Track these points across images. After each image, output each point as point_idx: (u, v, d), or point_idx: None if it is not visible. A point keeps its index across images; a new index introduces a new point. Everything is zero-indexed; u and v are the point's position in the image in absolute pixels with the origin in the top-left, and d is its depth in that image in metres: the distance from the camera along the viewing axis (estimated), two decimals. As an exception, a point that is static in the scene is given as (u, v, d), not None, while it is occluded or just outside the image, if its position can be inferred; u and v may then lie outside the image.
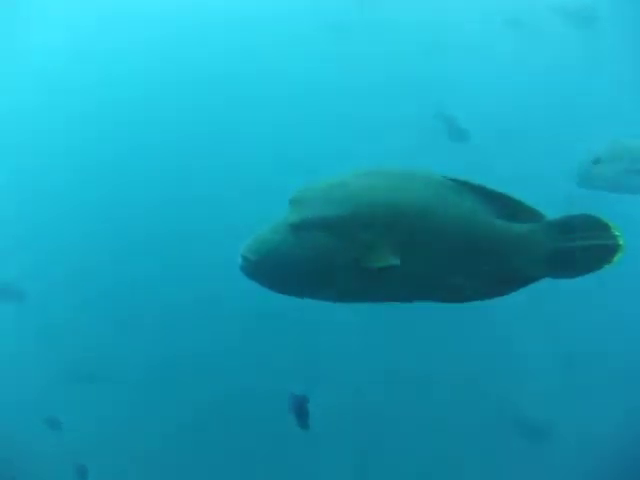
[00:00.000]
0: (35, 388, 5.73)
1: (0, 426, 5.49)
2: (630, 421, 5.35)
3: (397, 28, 8.21)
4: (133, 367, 5.97)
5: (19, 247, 6.86)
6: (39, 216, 7.42)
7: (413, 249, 1.76)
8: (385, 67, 7.92)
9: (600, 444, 5.26)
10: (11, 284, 5.93)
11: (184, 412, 5.64)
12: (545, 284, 1.91)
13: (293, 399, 3.76)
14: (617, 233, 1.83)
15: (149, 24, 8.94)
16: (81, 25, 8.98)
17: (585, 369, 5.61)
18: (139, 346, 6.14)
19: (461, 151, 5.94)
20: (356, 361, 5.68)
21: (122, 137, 7.95)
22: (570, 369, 5.70)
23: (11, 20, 8.21)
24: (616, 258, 1.82)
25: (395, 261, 1.73)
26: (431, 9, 8.40)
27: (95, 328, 6.26)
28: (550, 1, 7.16)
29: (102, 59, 8.79)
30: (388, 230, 1.76)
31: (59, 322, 6.34)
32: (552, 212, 1.89)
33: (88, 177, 7.61)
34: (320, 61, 8.36)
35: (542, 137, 6.90)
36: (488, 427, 5.47)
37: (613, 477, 5.07)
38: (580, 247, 1.83)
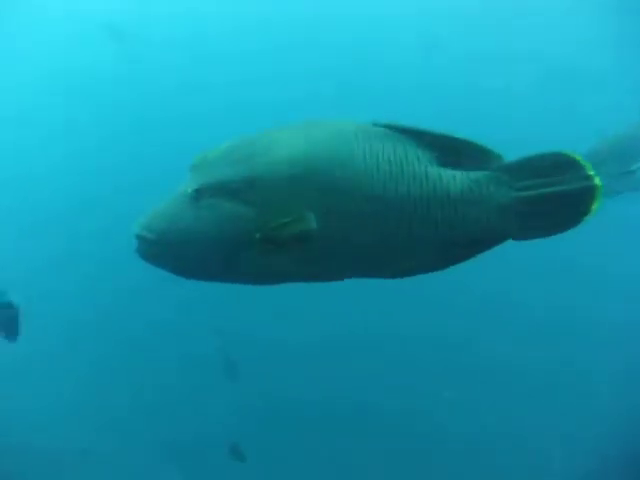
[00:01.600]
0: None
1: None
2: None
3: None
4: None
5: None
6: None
7: (333, 211, 1.44)
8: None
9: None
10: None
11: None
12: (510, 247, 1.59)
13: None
14: (590, 172, 1.49)
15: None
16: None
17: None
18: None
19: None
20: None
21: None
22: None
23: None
24: (594, 206, 1.48)
25: (310, 225, 1.42)
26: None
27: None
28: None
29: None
30: (300, 191, 1.44)
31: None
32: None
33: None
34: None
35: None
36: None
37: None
38: (545, 195, 1.50)
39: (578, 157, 1.50)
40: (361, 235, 1.47)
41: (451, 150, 1.52)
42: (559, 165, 1.51)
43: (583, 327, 5.98)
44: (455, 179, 1.51)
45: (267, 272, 1.53)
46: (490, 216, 1.51)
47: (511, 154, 1.55)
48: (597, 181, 1.48)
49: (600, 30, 7.65)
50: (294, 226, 1.43)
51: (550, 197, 1.50)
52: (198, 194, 1.50)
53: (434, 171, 1.50)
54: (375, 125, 1.54)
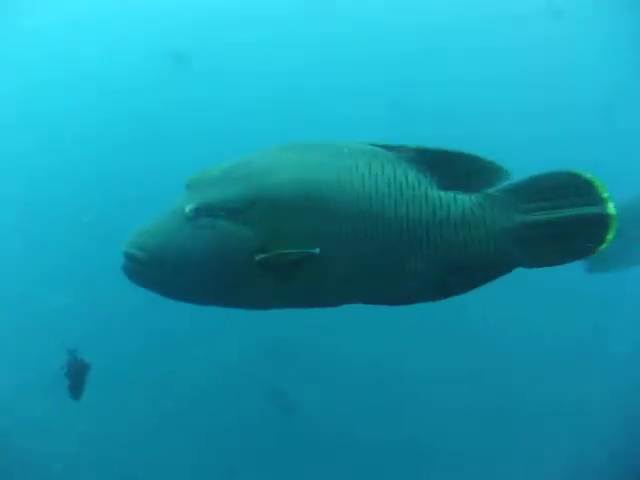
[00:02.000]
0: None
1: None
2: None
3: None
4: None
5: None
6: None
7: (332, 235, 1.39)
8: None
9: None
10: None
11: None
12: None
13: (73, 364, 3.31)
14: (605, 194, 1.38)
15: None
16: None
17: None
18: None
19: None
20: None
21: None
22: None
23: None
24: (609, 235, 1.38)
25: (312, 250, 1.37)
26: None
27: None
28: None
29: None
30: (300, 214, 1.40)
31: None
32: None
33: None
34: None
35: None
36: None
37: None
38: (554, 220, 1.40)
39: (591, 177, 1.41)
40: (360, 258, 1.42)
41: (454, 169, 1.45)
42: (570, 186, 1.41)
43: (587, 357, 5.89)
44: (456, 201, 1.44)
45: (264, 296, 1.48)
46: (493, 240, 1.43)
47: (518, 175, 1.48)
48: (611, 209, 1.38)
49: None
50: (296, 251, 1.38)
51: (559, 222, 1.41)
52: (196, 213, 1.44)
53: (434, 194, 1.44)
54: (373, 145, 1.48)
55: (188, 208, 1.44)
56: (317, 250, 1.37)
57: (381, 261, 1.42)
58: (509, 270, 1.46)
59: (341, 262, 1.41)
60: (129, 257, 1.49)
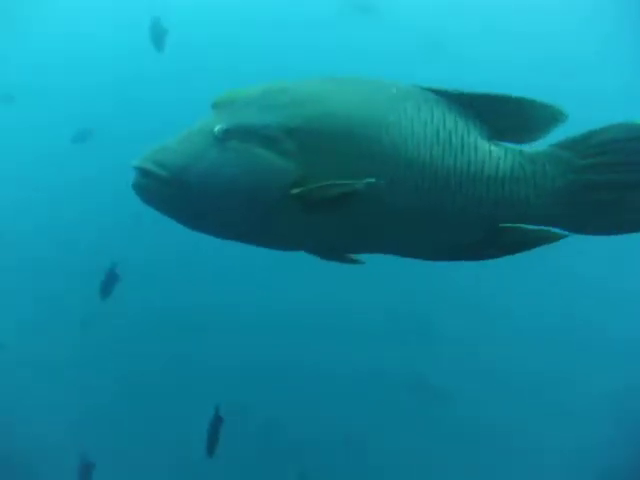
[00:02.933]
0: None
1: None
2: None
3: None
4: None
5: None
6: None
7: (377, 176, 1.28)
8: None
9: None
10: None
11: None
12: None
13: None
14: None
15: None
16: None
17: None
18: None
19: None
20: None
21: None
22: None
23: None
24: None
25: (359, 185, 1.25)
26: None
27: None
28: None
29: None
30: (344, 150, 1.29)
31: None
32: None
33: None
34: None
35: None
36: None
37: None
38: (613, 183, 1.29)
39: None
40: (403, 206, 1.32)
41: (506, 116, 1.34)
42: (630, 139, 1.29)
43: (584, 340, 5.89)
44: (506, 154, 1.34)
45: (294, 235, 1.37)
46: (543, 199, 1.33)
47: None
48: None
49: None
50: (341, 185, 1.26)
51: (615, 184, 1.30)
52: (226, 135, 1.30)
53: (484, 145, 1.34)
54: (422, 89, 1.37)
55: (218, 127, 1.30)
56: (362, 185, 1.25)
57: (423, 209, 1.33)
58: (555, 238, 1.36)
59: (381, 206, 1.31)
60: (146, 173, 1.33)
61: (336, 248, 1.42)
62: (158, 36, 5.36)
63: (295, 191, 1.27)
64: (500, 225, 1.37)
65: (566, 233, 1.36)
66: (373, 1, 8.69)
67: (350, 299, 6.01)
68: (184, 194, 1.32)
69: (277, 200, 1.29)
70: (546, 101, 1.33)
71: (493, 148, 1.34)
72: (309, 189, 1.26)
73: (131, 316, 6.01)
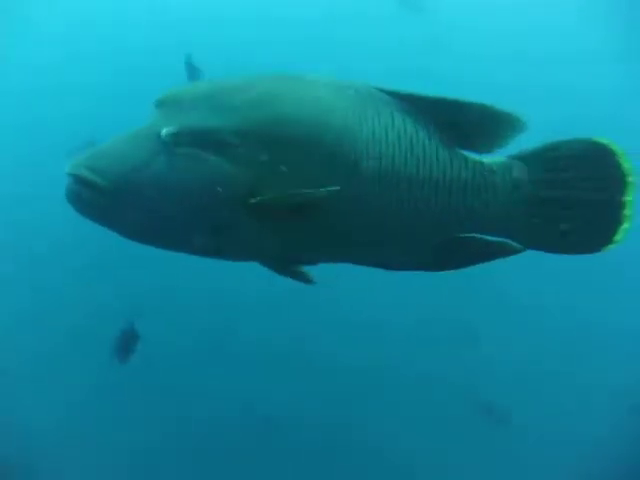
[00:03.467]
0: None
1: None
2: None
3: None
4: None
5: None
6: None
7: (336, 184, 1.20)
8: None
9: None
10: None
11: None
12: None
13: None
14: (629, 179, 1.22)
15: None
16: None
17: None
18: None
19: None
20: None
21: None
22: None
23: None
24: (618, 235, 1.24)
25: (321, 194, 1.17)
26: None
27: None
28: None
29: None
30: (302, 156, 1.20)
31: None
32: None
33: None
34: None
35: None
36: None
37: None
38: (562, 199, 1.26)
39: (615, 148, 1.23)
40: (362, 213, 1.26)
41: (466, 122, 1.28)
42: (590, 157, 1.25)
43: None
44: (467, 163, 1.29)
45: (249, 245, 1.28)
46: (501, 209, 1.29)
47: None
48: (627, 195, 1.22)
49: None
50: (302, 194, 1.18)
51: (567, 202, 1.26)
52: (174, 139, 1.20)
53: (444, 152, 1.29)
54: (379, 91, 1.31)
55: (165, 131, 1.19)
56: (324, 193, 1.17)
57: (383, 217, 1.27)
58: (512, 251, 1.32)
59: (338, 217, 1.24)
60: (83, 182, 1.21)
61: (291, 259, 1.35)
62: (192, 73, 5.20)
63: (252, 200, 1.19)
64: (460, 235, 1.33)
65: (522, 247, 1.32)
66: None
67: (387, 304, 5.89)
68: (126, 204, 1.21)
69: (230, 209, 1.20)
70: (504, 108, 1.28)
71: (454, 156, 1.29)
72: (267, 198, 1.18)
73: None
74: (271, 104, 1.22)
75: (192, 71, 5.24)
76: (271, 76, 1.30)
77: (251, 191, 1.20)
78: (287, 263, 1.36)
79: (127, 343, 3.95)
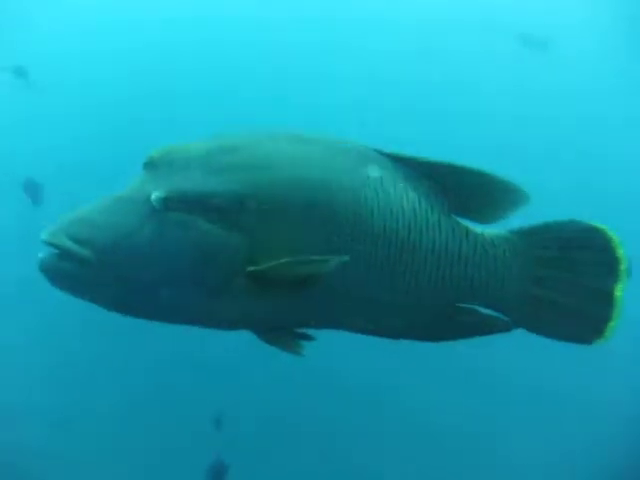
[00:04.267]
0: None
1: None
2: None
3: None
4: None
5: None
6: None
7: (337, 253, 1.15)
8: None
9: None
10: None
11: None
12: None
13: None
14: (622, 266, 1.21)
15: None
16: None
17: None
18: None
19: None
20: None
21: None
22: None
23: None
24: (607, 331, 1.22)
25: (326, 267, 1.11)
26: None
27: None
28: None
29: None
30: (304, 222, 1.14)
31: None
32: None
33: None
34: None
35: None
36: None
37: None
38: (559, 279, 1.24)
39: (614, 241, 1.22)
40: (364, 281, 1.21)
41: (467, 191, 1.25)
42: (585, 243, 1.24)
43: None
44: (468, 235, 1.26)
45: (245, 314, 1.21)
46: (499, 284, 1.26)
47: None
48: (618, 289, 1.21)
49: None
50: (306, 265, 1.11)
51: (565, 284, 1.24)
52: (165, 205, 1.11)
53: (447, 222, 1.25)
54: (380, 154, 1.26)
55: (155, 195, 1.11)
56: (329, 267, 1.11)
57: (385, 287, 1.23)
58: (506, 328, 1.29)
59: (341, 283, 1.18)
60: (65, 255, 1.11)
61: (284, 326, 1.28)
62: None
63: (250, 269, 1.12)
64: (458, 305, 1.29)
65: (511, 325, 1.29)
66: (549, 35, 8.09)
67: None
68: (111, 275, 1.12)
69: (224, 278, 1.13)
70: (509, 180, 1.24)
71: (456, 227, 1.26)
72: (267, 267, 1.11)
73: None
74: (267, 167, 1.16)
75: None
76: (269, 135, 1.25)
77: (246, 259, 1.13)
78: (279, 331, 1.30)
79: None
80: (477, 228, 1.28)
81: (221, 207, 1.12)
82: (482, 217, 1.27)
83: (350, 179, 1.19)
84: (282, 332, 1.28)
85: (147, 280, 1.13)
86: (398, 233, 1.20)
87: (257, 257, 1.13)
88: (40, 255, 1.14)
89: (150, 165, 1.18)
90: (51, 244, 1.12)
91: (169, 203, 1.11)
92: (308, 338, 1.29)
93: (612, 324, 1.20)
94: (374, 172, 1.22)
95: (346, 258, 1.13)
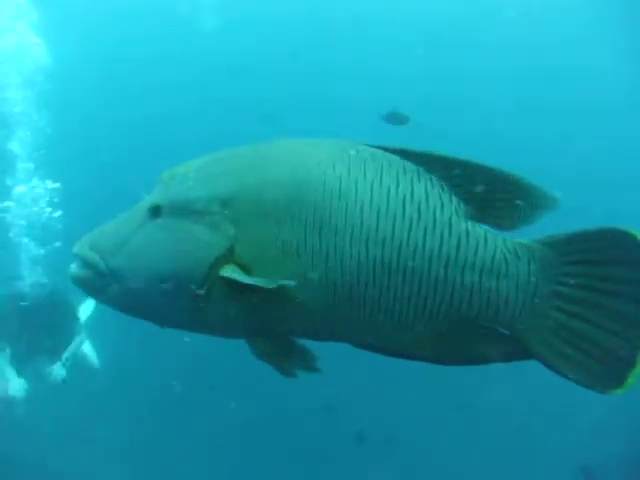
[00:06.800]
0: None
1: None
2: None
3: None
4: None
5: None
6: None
7: (321, 254, 1.10)
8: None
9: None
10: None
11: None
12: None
13: None
14: None
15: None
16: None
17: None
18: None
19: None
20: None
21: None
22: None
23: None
24: (630, 379, 1.06)
25: (279, 282, 1.08)
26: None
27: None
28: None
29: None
30: (284, 222, 1.12)
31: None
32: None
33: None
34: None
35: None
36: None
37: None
38: (593, 303, 1.09)
39: None
40: (355, 290, 1.12)
41: (488, 193, 1.12)
42: (619, 249, 1.08)
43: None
44: (487, 241, 1.11)
45: (224, 320, 1.20)
46: (521, 303, 1.11)
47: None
48: None
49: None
50: (253, 282, 1.09)
51: (590, 310, 1.09)
52: (155, 212, 1.21)
53: (460, 223, 1.11)
54: (388, 151, 1.16)
55: (149, 205, 1.23)
56: (291, 283, 1.08)
57: (380, 296, 1.12)
58: (522, 356, 1.15)
59: (328, 289, 1.12)
60: (87, 265, 1.25)
61: (272, 334, 1.26)
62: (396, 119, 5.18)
63: (222, 274, 1.13)
64: (465, 323, 1.13)
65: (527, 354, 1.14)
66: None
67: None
68: (113, 279, 1.23)
69: (202, 278, 1.14)
70: (535, 182, 1.10)
71: (471, 229, 1.11)
72: (234, 276, 1.11)
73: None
74: (251, 170, 1.19)
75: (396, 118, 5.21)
76: (268, 143, 1.26)
77: (229, 255, 1.16)
78: (277, 346, 1.27)
79: None
80: (498, 235, 1.12)
81: (202, 209, 1.19)
82: (502, 222, 1.13)
83: (341, 178, 1.13)
84: (280, 349, 1.26)
85: (141, 282, 1.21)
86: (394, 233, 1.10)
87: (243, 254, 1.16)
88: (71, 265, 1.27)
89: (159, 182, 1.29)
90: (75, 255, 1.27)
91: (157, 211, 1.22)
92: (313, 365, 1.27)
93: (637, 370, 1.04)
94: (372, 168, 1.14)
95: (292, 283, 1.09)
